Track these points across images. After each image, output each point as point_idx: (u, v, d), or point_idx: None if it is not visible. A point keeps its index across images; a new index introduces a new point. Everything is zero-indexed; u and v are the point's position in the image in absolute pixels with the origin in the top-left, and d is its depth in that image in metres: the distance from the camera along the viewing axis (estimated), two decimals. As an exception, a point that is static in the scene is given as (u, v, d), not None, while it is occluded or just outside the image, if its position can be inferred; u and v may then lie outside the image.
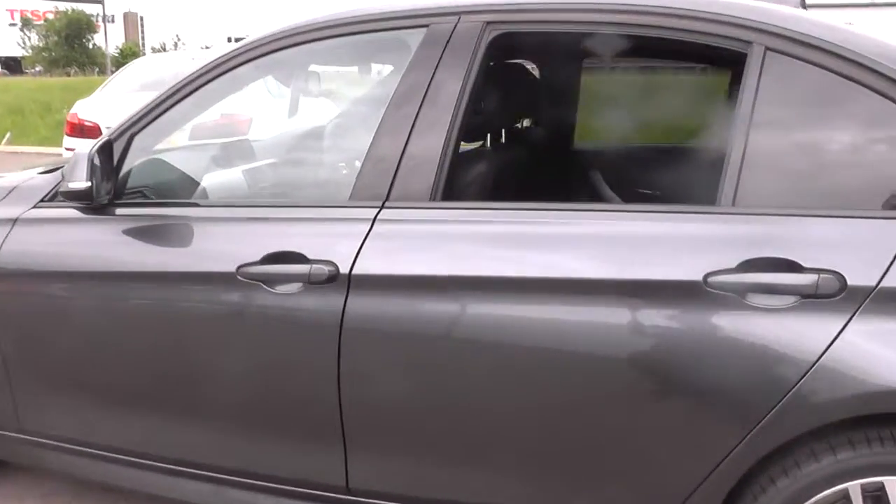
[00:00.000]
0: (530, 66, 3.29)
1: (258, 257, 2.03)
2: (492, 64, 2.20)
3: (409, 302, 1.93)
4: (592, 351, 1.83)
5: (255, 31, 2.36)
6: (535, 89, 3.09)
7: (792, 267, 1.71)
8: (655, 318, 1.79)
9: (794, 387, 1.68)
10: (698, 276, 1.75)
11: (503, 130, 3.08)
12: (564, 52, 2.70)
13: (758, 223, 1.79)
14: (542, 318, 1.86)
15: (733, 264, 1.74)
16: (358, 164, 2.12)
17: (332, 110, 3.18)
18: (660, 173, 2.93)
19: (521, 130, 3.25)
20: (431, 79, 2.03)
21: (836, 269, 1.68)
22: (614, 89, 3.61)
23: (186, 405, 2.20)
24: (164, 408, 2.23)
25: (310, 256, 1.99)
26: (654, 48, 2.06)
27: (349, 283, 1.95)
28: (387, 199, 2.01)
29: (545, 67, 3.25)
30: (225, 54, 2.25)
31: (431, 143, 2.00)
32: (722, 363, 1.74)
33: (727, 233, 1.80)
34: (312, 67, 3.57)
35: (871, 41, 1.83)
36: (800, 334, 1.69)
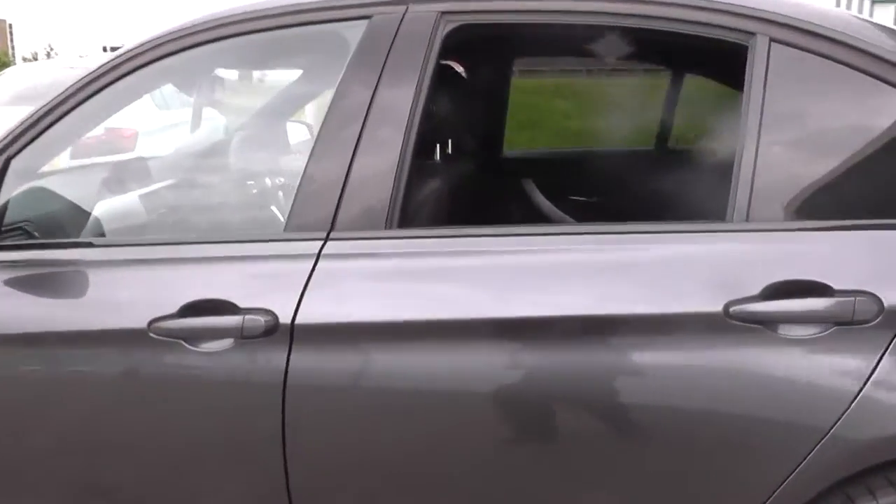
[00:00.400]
0: (458, 67, 2.99)
1: (175, 308, 1.64)
2: (446, 63, 1.88)
3: (371, 355, 1.60)
4: (597, 400, 1.56)
5: (132, 40, 1.95)
6: (486, 92, 2.79)
7: (822, 290, 1.48)
8: (670, 359, 1.53)
9: (831, 428, 1.47)
10: (718, 307, 1.49)
11: (450, 141, 2.75)
12: (533, 49, 2.41)
13: (779, 240, 1.56)
14: (538, 366, 1.57)
15: (756, 290, 1.49)
16: (271, 183, 1.75)
17: (247, 121, 2.77)
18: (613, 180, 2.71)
19: (470, 140, 2.94)
20: (378, 82, 1.69)
21: (871, 291, 1.47)
22: (574, 92, 3.39)
23: (92, 497, 1.79)
24: (64, 501, 1.80)
25: (240, 305, 1.62)
26: (636, 43, 1.79)
27: (292, 335, 1.59)
28: (332, 228, 1.65)
29: (501, 68, 2.95)
30: (115, 58, 1.84)
31: (383, 159, 1.66)
32: (748, 407, 1.51)
33: (745, 253, 1.56)
34: (219, 72, 3.15)
35: (883, 30, 1.63)
36: (835, 367, 1.49)
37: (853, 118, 1.59)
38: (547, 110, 4.07)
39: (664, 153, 3.20)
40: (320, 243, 1.64)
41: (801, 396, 1.49)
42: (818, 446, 1.47)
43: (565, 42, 2.06)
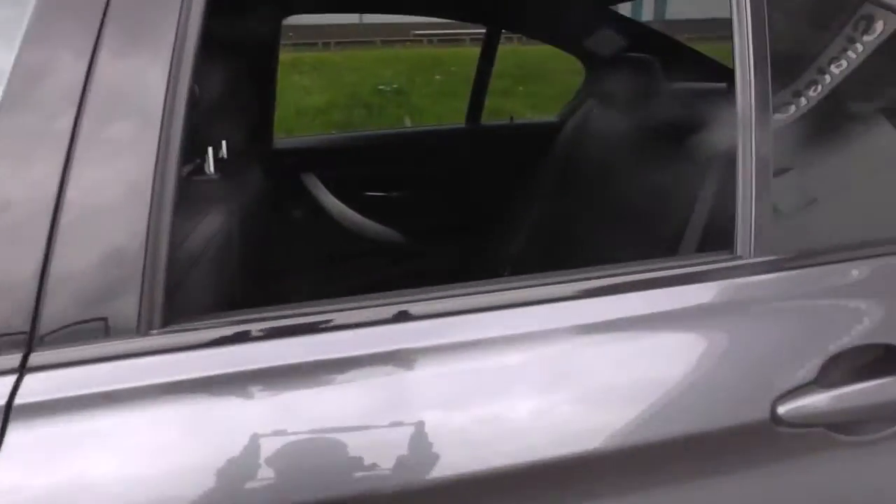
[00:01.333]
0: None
1: None
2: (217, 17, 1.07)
3: None
4: None
5: None
6: (256, 65, 2.02)
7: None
8: None
9: None
10: (763, 410, 0.87)
11: (223, 140, 1.88)
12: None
13: (826, 279, 0.96)
14: None
15: (812, 373, 0.89)
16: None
17: None
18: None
19: (244, 134, 2.10)
20: (98, 39, 0.87)
21: None
22: (315, 66, 2.75)
23: None
24: None
25: None
26: None
27: None
28: (31, 342, 0.83)
29: (271, 30, 2.21)
30: None
31: (125, 178, 0.85)
32: None
33: (779, 311, 0.95)
34: None
35: None
36: None
37: None
38: (285, 86, 3.46)
39: (478, 131, 2.67)
40: (12, 379, 0.82)
41: None
42: None
43: None
